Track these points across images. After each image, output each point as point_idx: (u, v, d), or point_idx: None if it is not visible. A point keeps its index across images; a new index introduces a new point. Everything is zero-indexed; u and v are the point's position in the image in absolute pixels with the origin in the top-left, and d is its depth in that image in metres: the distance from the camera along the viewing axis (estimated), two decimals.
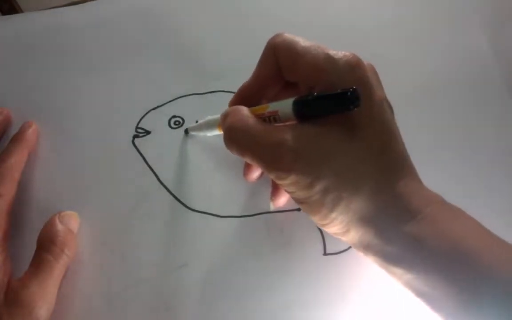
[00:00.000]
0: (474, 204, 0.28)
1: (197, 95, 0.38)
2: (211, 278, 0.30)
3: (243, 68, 0.38)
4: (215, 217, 0.32)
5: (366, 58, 0.39)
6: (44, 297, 0.28)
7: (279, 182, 0.25)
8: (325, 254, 0.31)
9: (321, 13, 0.42)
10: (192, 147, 0.35)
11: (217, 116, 0.30)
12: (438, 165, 0.35)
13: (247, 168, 0.31)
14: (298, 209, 0.32)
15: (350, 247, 0.31)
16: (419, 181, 0.25)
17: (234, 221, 0.32)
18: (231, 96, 0.37)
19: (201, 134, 0.34)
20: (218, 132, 0.30)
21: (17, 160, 0.32)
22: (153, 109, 0.37)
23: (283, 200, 0.32)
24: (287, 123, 0.25)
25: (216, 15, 0.42)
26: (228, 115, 0.26)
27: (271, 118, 0.25)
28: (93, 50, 0.40)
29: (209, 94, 0.38)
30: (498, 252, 0.22)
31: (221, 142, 0.35)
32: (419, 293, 0.24)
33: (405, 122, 0.36)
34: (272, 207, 0.32)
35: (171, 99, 0.37)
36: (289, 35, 0.26)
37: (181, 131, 0.36)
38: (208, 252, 0.31)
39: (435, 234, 0.22)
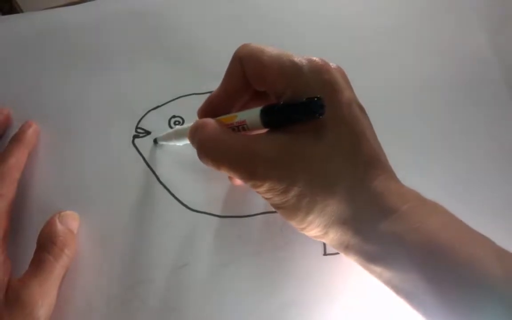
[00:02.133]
0: (474, 204, 0.29)
1: (196, 95, 0.38)
2: (211, 278, 0.30)
3: None
4: (215, 217, 0.32)
5: (365, 57, 0.40)
6: (44, 297, 0.28)
7: (255, 189, 0.25)
8: (325, 254, 0.31)
9: (320, 14, 0.42)
10: (192, 148, 0.35)
11: (186, 126, 0.30)
12: (437, 165, 0.35)
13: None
14: None
15: None
16: (394, 178, 0.25)
17: (234, 221, 0.32)
18: None
19: (171, 144, 0.34)
20: (188, 142, 0.30)
21: (17, 160, 0.32)
22: (153, 109, 0.37)
23: None
24: (257, 132, 0.25)
25: (216, 15, 0.42)
26: (197, 130, 0.27)
27: (240, 128, 0.25)
28: (93, 50, 0.40)
29: (208, 94, 0.37)
30: (475, 246, 0.22)
31: None
32: (399, 291, 0.24)
33: (404, 121, 0.36)
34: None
35: (171, 99, 0.37)
36: (255, 45, 0.26)
37: None
38: (208, 252, 0.31)
39: (411, 231, 0.22)
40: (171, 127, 0.36)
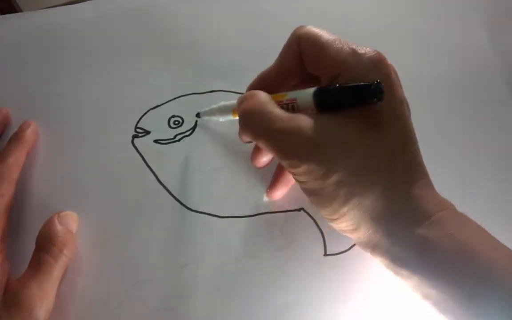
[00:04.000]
0: (474, 205, 0.28)
1: (196, 95, 0.38)
2: (211, 279, 0.30)
3: (243, 67, 0.38)
4: (215, 218, 0.32)
5: None
6: (43, 297, 0.27)
7: (291, 170, 0.24)
8: (325, 254, 0.31)
9: (321, 13, 0.42)
10: (192, 147, 0.35)
11: (231, 102, 0.29)
12: (437, 165, 0.34)
13: (256, 153, 0.31)
14: (299, 210, 0.32)
15: (350, 248, 0.31)
16: (432, 186, 0.25)
17: (234, 221, 0.32)
18: (230, 95, 0.37)
19: (214, 118, 0.33)
20: (231, 118, 0.30)
21: (16, 159, 0.32)
22: (153, 108, 0.37)
23: (279, 193, 0.31)
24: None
25: (216, 15, 0.42)
26: (245, 99, 0.26)
27: (289, 106, 0.25)
28: (92, 49, 0.40)
29: (208, 94, 0.38)
30: (506, 258, 0.22)
31: (221, 142, 0.35)
32: (426, 296, 0.24)
33: None
34: (266, 198, 0.32)
35: (170, 98, 0.37)
36: (313, 27, 0.26)
37: (180, 130, 0.36)
38: (208, 252, 0.31)
39: (444, 237, 0.22)
40: (170, 127, 0.36)
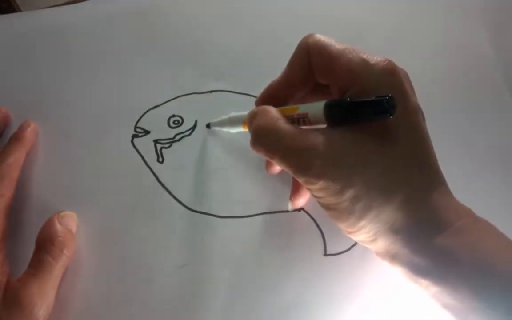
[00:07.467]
0: (473, 205, 0.28)
1: (196, 95, 0.38)
2: (211, 279, 0.30)
3: (242, 68, 0.38)
4: (215, 218, 0.32)
5: None
6: (43, 297, 0.27)
7: (307, 186, 0.24)
8: (325, 255, 0.31)
9: (321, 14, 0.42)
10: (192, 147, 0.35)
11: (241, 113, 0.29)
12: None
13: (269, 162, 0.31)
14: (299, 210, 0.32)
15: (350, 248, 0.31)
16: (450, 194, 0.24)
17: (234, 222, 0.32)
18: (230, 95, 0.37)
19: (224, 129, 0.33)
20: (241, 129, 0.30)
21: (16, 159, 0.32)
22: (152, 108, 0.37)
23: (302, 201, 0.31)
24: (317, 126, 0.24)
25: (216, 15, 0.42)
26: (256, 116, 0.26)
27: (300, 121, 0.25)
28: (92, 49, 0.40)
29: (208, 94, 0.38)
30: None
31: (222, 143, 0.35)
32: (446, 305, 0.23)
33: None
34: (291, 207, 0.32)
35: (170, 98, 0.37)
36: (322, 36, 0.26)
37: (180, 130, 0.36)
38: (208, 252, 0.31)
39: (465, 248, 0.22)
40: (170, 127, 0.36)
